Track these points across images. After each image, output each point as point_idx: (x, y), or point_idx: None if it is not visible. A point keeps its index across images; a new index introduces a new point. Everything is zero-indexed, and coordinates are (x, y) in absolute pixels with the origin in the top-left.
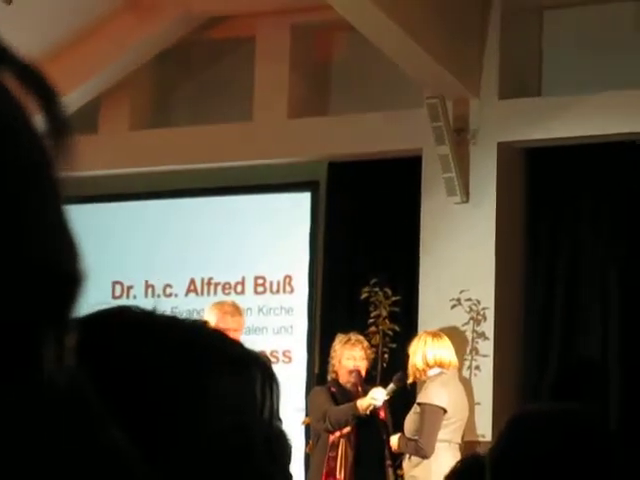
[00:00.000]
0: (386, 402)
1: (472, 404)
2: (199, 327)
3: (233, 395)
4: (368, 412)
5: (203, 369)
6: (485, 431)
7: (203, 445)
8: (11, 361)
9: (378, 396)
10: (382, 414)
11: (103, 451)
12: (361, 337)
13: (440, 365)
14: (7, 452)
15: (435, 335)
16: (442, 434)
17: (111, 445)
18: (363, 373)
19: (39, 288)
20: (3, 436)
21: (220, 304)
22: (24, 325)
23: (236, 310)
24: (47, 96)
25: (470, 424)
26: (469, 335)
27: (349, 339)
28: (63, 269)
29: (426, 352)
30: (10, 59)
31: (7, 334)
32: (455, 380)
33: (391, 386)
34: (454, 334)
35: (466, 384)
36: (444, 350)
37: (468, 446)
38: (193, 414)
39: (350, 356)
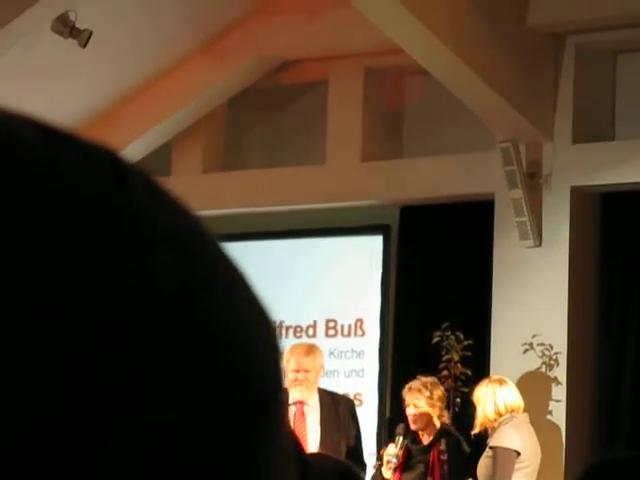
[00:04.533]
0: (440, 447)
1: (544, 449)
2: None
3: None
4: (392, 470)
5: None
6: (557, 477)
7: None
8: None
9: (391, 452)
10: (434, 456)
11: None
12: (425, 380)
13: (511, 411)
14: None
15: (501, 382)
16: (515, 478)
17: None
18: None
19: None
20: None
21: (294, 346)
22: None
23: (309, 351)
24: None
25: (542, 470)
26: (541, 380)
27: (407, 387)
28: None
29: (497, 401)
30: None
31: None
32: (526, 424)
33: (399, 438)
34: (526, 379)
35: (538, 429)
36: (513, 395)
37: None
38: None
39: (409, 403)
